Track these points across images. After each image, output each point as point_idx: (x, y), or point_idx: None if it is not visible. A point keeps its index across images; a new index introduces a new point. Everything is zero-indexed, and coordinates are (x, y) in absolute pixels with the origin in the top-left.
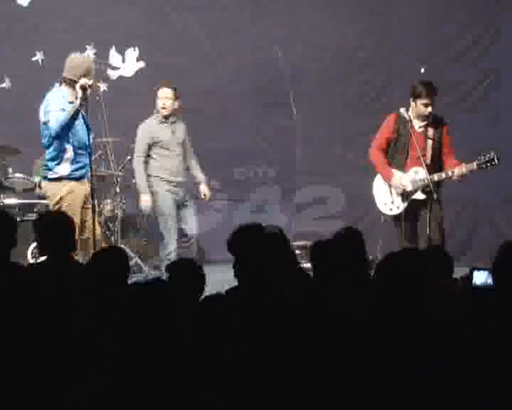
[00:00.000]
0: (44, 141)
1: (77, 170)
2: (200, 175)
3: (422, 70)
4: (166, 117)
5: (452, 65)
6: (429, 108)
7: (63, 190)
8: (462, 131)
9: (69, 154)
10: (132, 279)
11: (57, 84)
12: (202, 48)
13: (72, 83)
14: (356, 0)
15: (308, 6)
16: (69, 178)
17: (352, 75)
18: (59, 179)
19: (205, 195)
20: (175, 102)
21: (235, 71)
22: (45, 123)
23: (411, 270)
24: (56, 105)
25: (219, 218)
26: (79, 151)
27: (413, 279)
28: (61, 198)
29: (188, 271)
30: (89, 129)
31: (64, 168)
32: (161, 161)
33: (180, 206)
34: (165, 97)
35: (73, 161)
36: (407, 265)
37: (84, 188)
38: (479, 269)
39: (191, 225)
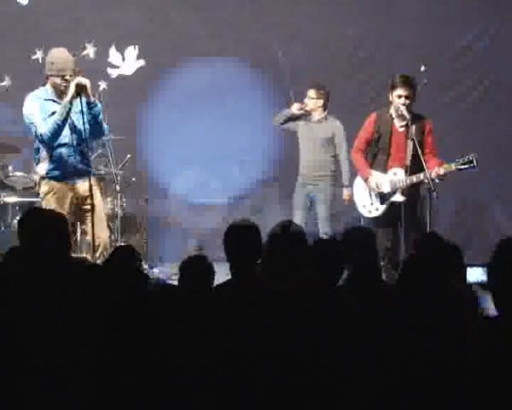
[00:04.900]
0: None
1: (55, 169)
2: None
3: (422, 68)
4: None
5: (452, 65)
6: (402, 100)
7: (42, 189)
8: (461, 131)
9: (43, 153)
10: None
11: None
12: (202, 47)
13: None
14: (356, 0)
15: (308, 6)
16: (48, 177)
17: (351, 75)
18: (42, 178)
19: None
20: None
21: (235, 70)
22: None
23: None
24: (40, 115)
25: (219, 218)
26: (58, 149)
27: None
28: (42, 198)
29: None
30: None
31: (41, 168)
32: None
33: None
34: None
35: (50, 161)
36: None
37: (67, 188)
38: (472, 266)
39: None
